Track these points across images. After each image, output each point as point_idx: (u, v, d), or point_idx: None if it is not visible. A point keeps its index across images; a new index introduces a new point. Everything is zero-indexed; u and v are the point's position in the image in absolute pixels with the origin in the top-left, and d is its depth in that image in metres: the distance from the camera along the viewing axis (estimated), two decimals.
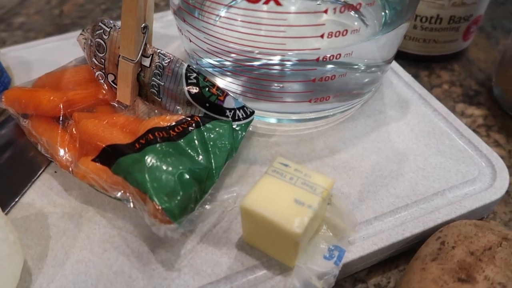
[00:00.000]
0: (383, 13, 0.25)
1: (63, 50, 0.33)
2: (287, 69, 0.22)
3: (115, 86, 0.25)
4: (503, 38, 0.38)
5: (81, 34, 0.26)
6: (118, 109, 0.25)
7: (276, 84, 0.23)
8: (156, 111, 0.24)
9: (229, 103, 0.23)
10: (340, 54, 0.21)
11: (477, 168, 0.24)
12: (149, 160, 0.20)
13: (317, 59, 0.21)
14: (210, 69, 0.25)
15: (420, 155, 0.24)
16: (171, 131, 0.21)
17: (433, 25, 0.32)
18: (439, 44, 0.34)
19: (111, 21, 0.25)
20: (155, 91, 0.24)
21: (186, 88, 0.23)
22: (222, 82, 0.25)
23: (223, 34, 0.21)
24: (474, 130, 0.30)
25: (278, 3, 0.18)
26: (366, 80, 0.25)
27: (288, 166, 0.20)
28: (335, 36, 0.20)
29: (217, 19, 0.22)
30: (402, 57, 0.35)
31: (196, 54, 0.25)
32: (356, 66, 0.23)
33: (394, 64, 0.31)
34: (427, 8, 0.31)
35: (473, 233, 0.19)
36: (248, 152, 0.25)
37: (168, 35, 0.35)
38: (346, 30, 0.20)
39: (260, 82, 0.23)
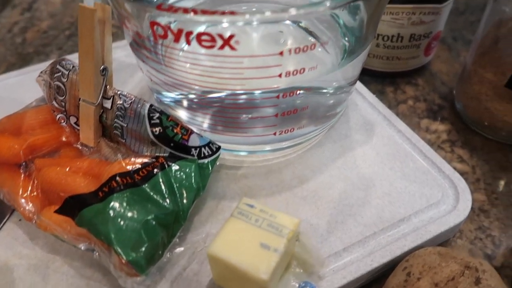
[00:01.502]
0: (344, 41, 0.25)
1: (24, 86, 0.33)
2: (249, 106, 0.22)
3: (78, 127, 0.24)
4: (464, 50, 0.39)
5: (39, 75, 0.25)
6: (83, 151, 0.25)
7: (239, 117, 0.23)
8: (119, 155, 0.23)
9: (194, 141, 0.23)
10: (299, 90, 0.21)
11: (441, 190, 0.24)
12: (113, 210, 0.19)
13: (277, 96, 0.21)
14: (172, 103, 0.25)
15: (385, 180, 0.25)
16: (135, 175, 0.21)
17: (394, 43, 0.33)
18: (402, 60, 0.34)
19: (70, 62, 0.24)
20: (119, 133, 0.23)
21: (149, 129, 0.23)
22: (185, 114, 0.25)
23: (181, 71, 0.21)
24: (438, 146, 0.30)
25: (232, 48, 0.18)
26: (331, 106, 0.25)
27: (254, 207, 0.20)
28: (293, 74, 0.20)
29: (178, 56, 0.22)
30: (368, 73, 0.36)
31: (156, 89, 0.25)
32: (319, 96, 0.24)
33: (359, 85, 0.32)
34: (388, 28, 0.32)
35: (436, 263, 0.19)
36: (216, 187, 0.25)
37: (134, 64, 0.34)
38: (304, 69, 0.20)
39: (224, 115, 0.23)
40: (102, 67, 0.22)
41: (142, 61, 0.23)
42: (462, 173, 0.29)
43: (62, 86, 0.24)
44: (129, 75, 0.32)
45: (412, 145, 0.27)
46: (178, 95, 0.24)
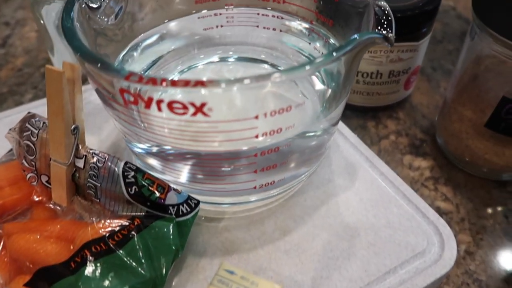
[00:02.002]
0: (323, 93, 0.25)
1: None
2: (226, 165, 0.22)
3: (50, 186, 0.23)
4: (443, 80, 0.39)
5: (9, 132, 0.24)
6: (56, 210, 0.24)
7: (217, 171, 0.22)
8: (94, 217, 0.22)
9: (171, 199, 0.22)
10: (278, 148, 0.21)
11: (426, 238, 0.24)
12: (85, 283, 0.18)
13: (255, 155, 0.20)
14: (145, 154, 0.24)
15: (370, 229, 0.24)
16: (110, 240, 0.20)
17: (374, 79, 0.33)
18: (382, 96, 0.34)
19: (39, 120, 0.23)
20: (93, 192, 0.23)
21: (124, 189, 0.22)
22: (159, 165, 0.24)
23: (153, 133, 0.20)
24: (422, 184, 0.30)
25: (205, 115, 0.17)
26: (313, 152, 0.25)
27: (234, 273, 0.19)
28: (270, 134, 0.19)
29: (149, 119, 0.21)
30: (349, 108, 0.36)
31: (128, 139, 0.24)
32: (299, 147, 0.23)
33: (340, 124, 0.31)
34: (367, 65, 0.32)
35: None
36: (197, 243, 0.24)
37: None
38: (281, 128, 0.19)
39: (201, 168, 0.23)
40: (73, 126, 0.22)
41: (111, 115, 0.22)
42: (446, 213, 0.28)
43: (32, 146, 0.23)
44: (104, 120, 0.31)
45: (396, 188, 0.26)
46: (150, 147, 0.23)
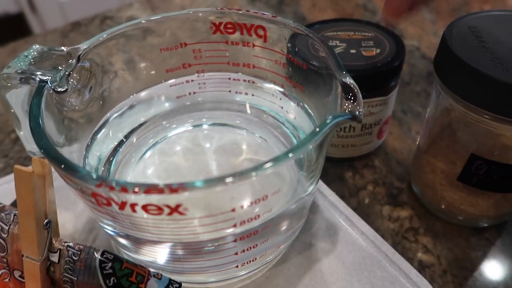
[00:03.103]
0: (297, 169, 0.25)
1: None
2: (206, 252, 0.21)
3: (23, 281, 0.23)
4: (414, 124, 0.40)
5: None
6: None
7: (197, 256, 0.22)
8: None
9: (152, 286, 0.22)
10: (257, 231, 0.20)
11: None
12: None
13: (234, 240, 0.20)
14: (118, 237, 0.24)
15: None
16: None
17: (347, 133, 0.33)
18: (356, 147, 0.35)
19: (9, 212, 0.23)
20: (69, 286, 0.22)
21: (102, 281, 0.21)
22: (135, 249, 0.23)
23: (127, 228, 0.20)
24: (402, 236, 0.30)
25: (181, 214, 0.17)
26: (293, 221, 0.25)
27: None
28: (248, 221, 0.19)
29: (122, 217, 0.21)
30: (326, 159, 0.36)
31: (103, 223, 0.24)
32: (278, 223, 0.23)
33: (319, 182, 0.32)
34: None
35: None
36: None
37: None
38: (258, 215, 0.19)
39: (179, 252, 0.22)
40: (45, 221, 0.21)
41: (82, 202, 0.22)
42: (429, 265, 0.29)
43: (3, 242, 0.22)
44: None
45: (377, 248, 0.27)
46: (124, 233, 0.23)
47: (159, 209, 0.17)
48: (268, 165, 0.17)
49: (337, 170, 0.36)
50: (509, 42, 0.25)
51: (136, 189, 0.16)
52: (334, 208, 0.29)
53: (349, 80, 0.21)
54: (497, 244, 0.30)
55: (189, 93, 0.31)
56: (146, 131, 0.30)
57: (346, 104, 0.20)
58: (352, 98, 0.20)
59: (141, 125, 0.29)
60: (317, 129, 0.18)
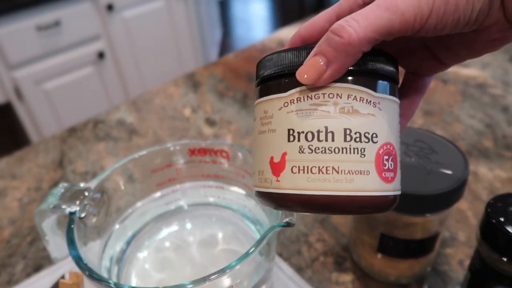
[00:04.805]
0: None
1: None
2: None
3: None
4: None
5: None
6: None
7: None
8: None
9: None
10: None
11: None
12: None
13: None
14: None
15: None
16: None
17: None
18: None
19: None
20: None
21: None
22: None
23: None
24: None
25: None
26: None
27: None
28: None
29: None
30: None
31: None
32: None
33: (279, 259, 0.41)
34: None
35: None
36: None
37: None
38: None
39: None
40: None
41: None
42: None
43: None
44: None
45: None
46: None
47: None
48: (234, 263, 0.26)
49: (295, 246, 0.45)
50: None
51: None
52: (291, 281, 0.38)
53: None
54: None
55: (175, 200, 0.41)
56: (143, 233, 0.39)
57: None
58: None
59: (139, 229, 0.39)
60: (269, 230, 0.28)
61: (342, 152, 0.21)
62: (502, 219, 0.29)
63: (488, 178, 0.52)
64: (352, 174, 0.21)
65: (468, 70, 0.75)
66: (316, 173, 0.21)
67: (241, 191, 0.39)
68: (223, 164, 0.39)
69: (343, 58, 0.19)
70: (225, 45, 2.64)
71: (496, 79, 0.71)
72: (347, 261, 0.43)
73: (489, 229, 0.30)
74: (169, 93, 0.77)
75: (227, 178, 0.40)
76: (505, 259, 0.29)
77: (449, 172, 0.33)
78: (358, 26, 0.19)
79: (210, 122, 0.68)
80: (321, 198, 0.21)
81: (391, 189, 0.22)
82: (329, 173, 0.21)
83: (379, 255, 0.38)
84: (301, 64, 0.21)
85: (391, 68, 0.22)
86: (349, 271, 0.42)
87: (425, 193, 0.32)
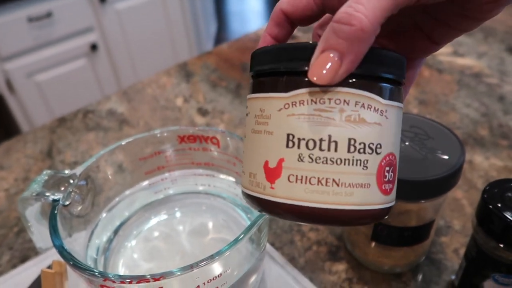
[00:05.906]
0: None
1: None
2: None
3: None
4: None
5: None
6: None
7: None
8: None
9: None
10: None
11: None
12: None
13: None
14: None
15: None
16: None
17: None
18: None
19: None
20: None
21: None
22: None
23: None
24: (340, 286, 0.39)
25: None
26: (249, 285, 0.33)
27: None
28: (213, 279, 0.27)
29: None
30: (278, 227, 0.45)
31: None
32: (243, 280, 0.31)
33: (270, 248, 0.40)
34: None
35: None
36: None
37: None
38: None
39: None
40: None
41: None
42: None
43: None
44: None
45: None
46: None
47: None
48: (224, 249, 0.25)
49: (288, 236, 0.44)
50: None
51: (130, 281, 0.24)
52: (282, 269, 0.38)
53: None
54: (412, 285, 0.39)
55: (165, 189, 0.40)
56: (131, 222, 0.38)
57: None
58: None
59: (127, 218, 0.38)
60: (251, 223, 0.27)
61: (344, 164, 0.19)
62: (499, 205, 0.28)
63: (483, 166, 0.51)
64: (353, 187, 0.19)
65: (464, 59, 0.74)
66: (315, 184, 0.19)
67: (232, 179, 0.38)
68: (214, 152, 0.38)
69: (357, 47, 0.18)
70: (220, 39, 2.62)
71: (492, 69, 0.70)
72: (340, 250, 0.42)
73: (485, 215, 0.29)
74: (161, 83, 0.76)
75: (218, 165, 0.38)
76: (501, 246, 0.29)
77: (445, 157, 0.32)
78: (365, 9, 0.17)
79: (203, 112, 0.66)
80: (318, 210, 0.20)
81: (389, 201, 0.21)
82: (328, 185, 0.19)
83: (373, 244, 0.37)
84: (306, 61, 0.19)
85: (400, 71, 0.21)
86: (343, 260, 0.41)
87: (420, 179, 0.31)
